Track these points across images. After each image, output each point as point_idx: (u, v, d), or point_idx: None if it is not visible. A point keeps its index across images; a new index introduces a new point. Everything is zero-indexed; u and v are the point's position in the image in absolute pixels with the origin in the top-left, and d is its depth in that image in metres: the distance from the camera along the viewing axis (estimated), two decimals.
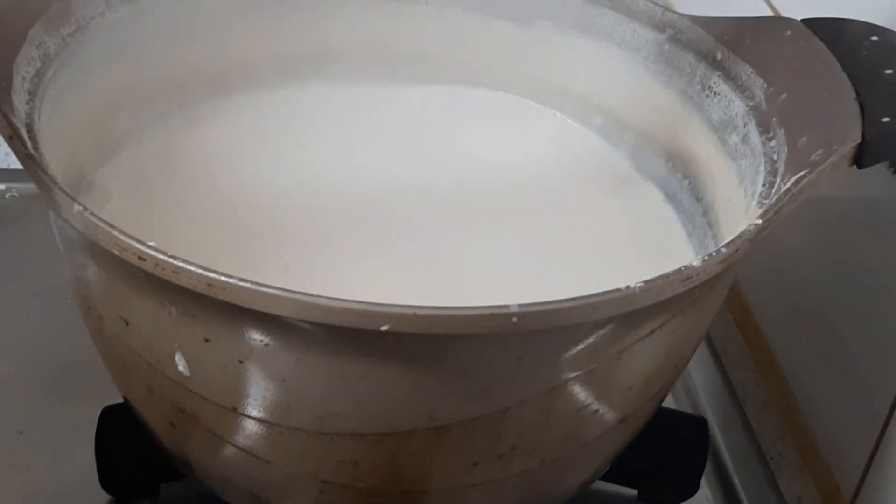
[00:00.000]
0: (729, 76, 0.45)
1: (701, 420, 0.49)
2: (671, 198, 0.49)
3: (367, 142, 0.51)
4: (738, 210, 0.42)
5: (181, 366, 0.36)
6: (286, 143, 0.51)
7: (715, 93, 0.45)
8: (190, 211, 0.46)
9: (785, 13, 0.55)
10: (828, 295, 0.53)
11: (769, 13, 0.57)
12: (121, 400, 0.43)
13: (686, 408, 0.55)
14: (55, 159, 0.40)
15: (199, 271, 0.32)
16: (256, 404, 0.36)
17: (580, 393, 0.36)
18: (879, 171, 0.47)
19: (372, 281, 0.43)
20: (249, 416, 0.36)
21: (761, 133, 0.42)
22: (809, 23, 0.44)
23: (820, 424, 0.52)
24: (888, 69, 0.41)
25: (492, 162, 0.50)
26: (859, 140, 0.38)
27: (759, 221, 0.36)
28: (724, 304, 0.62)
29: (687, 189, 0.48)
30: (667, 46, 0.48)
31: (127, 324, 0.37)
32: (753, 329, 0.60)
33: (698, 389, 0.56)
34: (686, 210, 0.48)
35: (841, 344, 0.51)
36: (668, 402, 0.54)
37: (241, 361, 0.34)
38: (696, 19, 0.47)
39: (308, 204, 0.47)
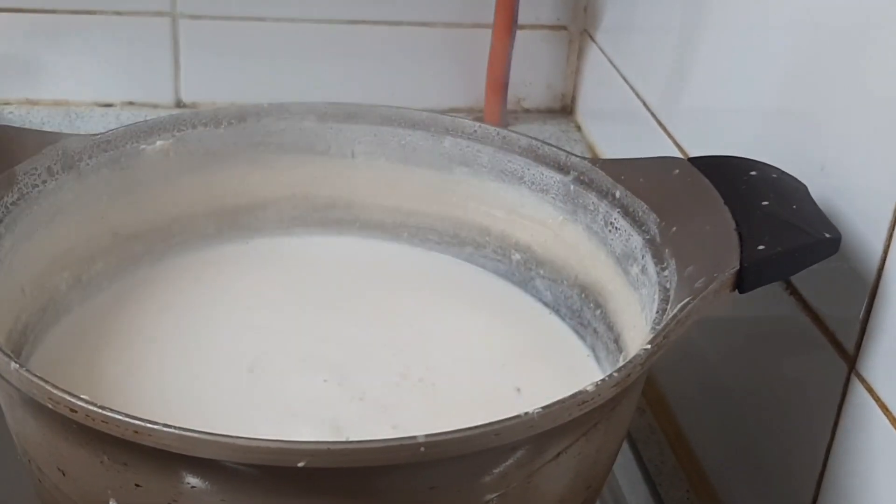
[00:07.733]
0: (627, 212, 0.48)
1: None
2: (585, 326, 0.52)
3: (290, 296, 0.54)
4: (642, 335, 0.45)
5: None
6: (224, 297, 0.54)
7: (616, 228, 0.49)
8: (129, 368, 0.48)
9: (692, 152, 0.60)
10: (750, 407, 0.55)
11: (678, 153, 0.62)
12: None
13: None
14: None
15: (126, 419, 0.34)
16: None
17: None
18: (778, 292, 0.51)
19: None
20: None
21: (656, 264, 0.45)
22: (696, 161, 0.48)
23: None
24: (764, 201, 0.45)
25: (412, 312, 0.54)
26: (737, 267, 0.41)
27: (649, 347, 0.39)
28: (657, 424, 0.65)
29: (599, 318, 0.51)
30: (572, 187, 0.52)
31: (63, 474, 0.39)
32: (685, 448, 0.62)
33: None
34: (601, 337, 0.51)
35: (768, 460, 0.53)
36: None
37: None
38: (595, 161, 0.51)
39: (240, 353, 0.49)
